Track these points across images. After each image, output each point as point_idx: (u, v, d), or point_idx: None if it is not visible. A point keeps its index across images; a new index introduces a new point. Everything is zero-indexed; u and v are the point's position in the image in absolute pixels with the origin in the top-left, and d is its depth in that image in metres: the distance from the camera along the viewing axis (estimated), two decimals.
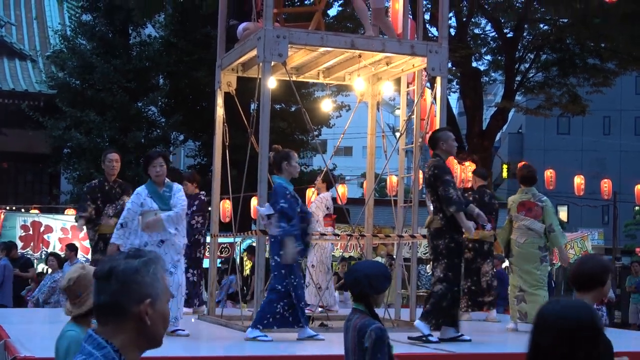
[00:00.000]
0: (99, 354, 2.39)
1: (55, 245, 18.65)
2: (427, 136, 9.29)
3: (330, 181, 12.30)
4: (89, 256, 13.08)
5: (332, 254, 20.26)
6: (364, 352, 4.52)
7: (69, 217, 20.06)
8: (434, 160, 8.63)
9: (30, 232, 18.78)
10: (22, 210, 21.34)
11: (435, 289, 8.39)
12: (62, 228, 18.95)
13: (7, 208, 20.99)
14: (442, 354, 7.54)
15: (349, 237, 10.94)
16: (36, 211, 20.87)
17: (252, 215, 15.95)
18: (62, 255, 15.68)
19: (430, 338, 8.17)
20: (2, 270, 14.91)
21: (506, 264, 16.95)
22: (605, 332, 2.81)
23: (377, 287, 4.65)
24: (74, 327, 4.52)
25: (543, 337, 2.71)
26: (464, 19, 22.93)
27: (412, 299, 10.06)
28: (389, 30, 10.36)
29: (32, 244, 18.45)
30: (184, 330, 8.49)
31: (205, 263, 12.03)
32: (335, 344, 8.70)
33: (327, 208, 11.99)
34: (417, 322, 8.38)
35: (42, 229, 18.89)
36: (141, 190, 8.55)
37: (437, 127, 9.82)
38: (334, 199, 12.70)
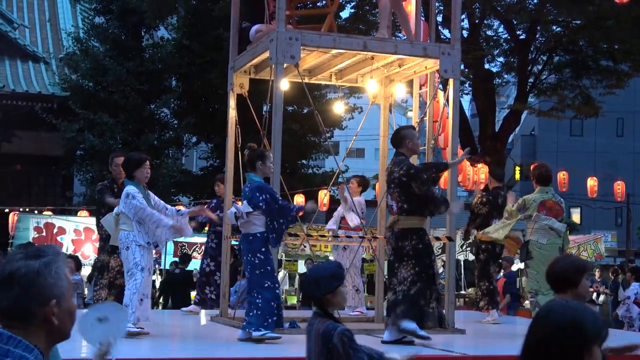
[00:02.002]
0: (31, 357, 2.37)
1: (69, 247, 18.72)
2: (391, 134, 8.99)
3: (365, 184, 12.24)
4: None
5: (362, 256, 20.36)
6: (329, 356, 4.45)
7: (82, 218, 20.14)
8: (401, 158, 8.36)
9: (44, 234, 18.85)
10: (36, 212, 21.43)
11: (412, 291, 8.05)
12: (75, 230, 19.02)
13: (21, 210, 21.08)
14: (453, 356, 7.52)
15: (361, 239, 10.92)
16: (49, 213, 20.95)
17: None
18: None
19: (419, 332, 8.02)
20: None
21: (516, 266, 16.98)
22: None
23: (323, 288, 4.53)
24: None
25: (535, 334, 2.65)
26: (477, 21, 22.91)
27: None
28: (405, 20, 10.34)
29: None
30: (142, 328, 8.48)
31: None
32: None
33: (362, 213, 11.96)
34: (402, 324, 8.05)
35: (55, 230, 18.96)
36: (137, 191, 8.59)
37: (450, 129, 9.81)
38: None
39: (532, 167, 10.41)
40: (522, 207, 9.81)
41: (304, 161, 25.63)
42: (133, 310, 8.33)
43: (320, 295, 4.56)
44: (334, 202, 16.76)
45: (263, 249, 8.29)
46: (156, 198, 8.98)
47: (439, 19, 20.69)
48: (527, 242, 9.72)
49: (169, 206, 9.12)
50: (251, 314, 8.23)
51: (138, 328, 8.38)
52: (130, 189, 8.56)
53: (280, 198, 8.49)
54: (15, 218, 19.56)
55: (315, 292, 4.58)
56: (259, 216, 8.29)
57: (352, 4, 22.78)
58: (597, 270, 21.59)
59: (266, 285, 8.22)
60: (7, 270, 2.42)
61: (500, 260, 11.77)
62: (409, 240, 8.19)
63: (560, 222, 9.71)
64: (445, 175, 11.73)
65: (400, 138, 8.48)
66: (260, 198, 8.26)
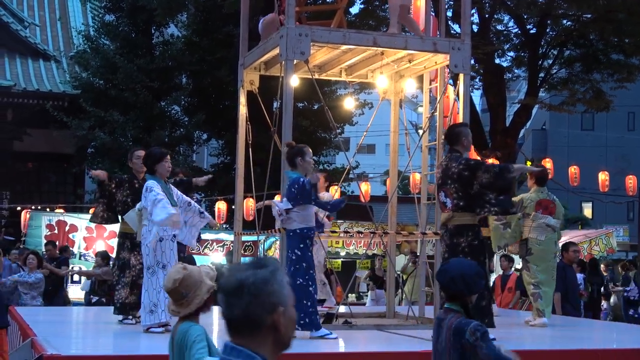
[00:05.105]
0: None
1: (80, 244, 18.76)
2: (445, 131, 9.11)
3: (330, 181, 12.40)
4: (113, 254, 13.02)
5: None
6: (461, 351, 4.51)
7: None
8: (456, 155, 8.35)
9: (56, 232, 18.89)
10: (47, 209, 21.49)
11: None
12: (86, 227, 19.05)
13: (33, 208, 21.14)
14: None
15: (372, 235, 10.93)
16: (61, 210, 21.00)
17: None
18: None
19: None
20: (7, 269, 14.75)
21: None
22: None
23: (473, 287, 4.63)
24: (193, 323, 4.58)
25: None
26: (487, 16, 22.84)
27: (436, 297, 10.02)
28: (413, 27, 10.34)
29: (57, 243, 18.54)
30: (159, 329, 8.52)
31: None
32: (361, 341, 8.71)
33: None
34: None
35: (67, 228, 19.00)
36: (156, 184, 8.61)
37: (468, 125, 9.80)
38: (357, 197, 12.73)
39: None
40: (519, 206, 10.16)
41: (314, 157, 25.62)
42: (163, 308, 8.32)
43: (469, 294, 4.65)
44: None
45: (301, 246, 8.29)
46: (179, 193, 9.03)
47: (449, 13, 20.64)
48: (527, 239, 10.23)
49: (193, 202, 9.14)
50: None
51: (161, 328, 8.43)
52: (150, 182, 8.59)
53: (308, 184, 8.46)
54: (27, 216, 19.61)
55: (465, 289, 4.64)
56: (298, 212, 8.31)
57: None
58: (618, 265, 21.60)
59: (298, 282, 8.18)
60: (237, 279, 2.49)
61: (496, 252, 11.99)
62: (464, 236, 8.21)
63: (554, 218, 10.27)
64: None
65: (457, 134, 8.47)
66: (292, 190, 8.30)
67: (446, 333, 4.58)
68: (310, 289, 8.30)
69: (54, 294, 15.30)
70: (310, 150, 8.66)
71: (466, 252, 8.16)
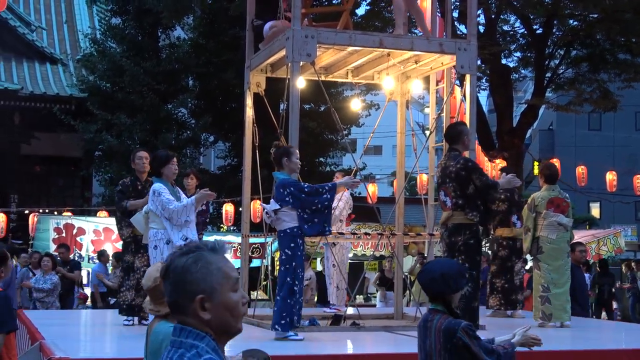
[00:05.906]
0: (202, 344, 2.44)
1: (88, 247, 18.80)
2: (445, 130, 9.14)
3: None
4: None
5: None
6: (453, 351, 4.50)
7: (101, 219, 20.23)
8: (455, 154, 8.41)
9: (64, 235, 18.93)
10: (55, 212, 21.53)
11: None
12: (94, 230, 19.10)
13: (40, 211, 21.18)
14: None
15: (379, 236, 10.92)
16: (69, 214, 21.04)
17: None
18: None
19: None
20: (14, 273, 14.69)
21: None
22: None
23: (453, 286, 4.61)
24: (169, 324, 4.53)
25: None
26: (493, 16, 22.82)
27: None
28: (420, 18, 10.33)
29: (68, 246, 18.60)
30: None
31: None
32: (368, 342, 8.71)
33: (350, 208, 11.98)
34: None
35: (74, 231, 19.04)
36: (164, 187, 8.61)
37: (468, 125, 9.79)
38: (364, 198, 12.72)
39: (540, 167, 10.72)
40: (532, 206, 10.14)
41: (321, 159, 25.61)
42: None
43: (450, 293, 4.63)
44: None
45: (291, 245, 8.26)
46: (183, 195, 9.01)
47: (455, 14, 20.64)
48: (538, 237, 10.07)
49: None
50: (275, 309, 8.27)
51: None
52: (157, 186, 8.59)
53: (307, 186, 8.44)
54: (35, 219, 19.65)
55: (445, 289, 4.63)
56: (287, 212, 8.29)
57: (368, 0, 22.77)
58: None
59: (288, 280, 8.21)
60: (166, 266, 2.53)
61: (522, 256, 11.81)
62: (462, 235, 8.25)
63: (566, 217, 10.09)
64: None
65: (458, 133, 8.55)
66: (285, 193, 8.26)
67: (435, 334, 4.56)
68: (295, 288, 8.26)
69: (67, 297, 15.35)
70: (297, 151, 8.64)
71: (461, 251, 8.18)
